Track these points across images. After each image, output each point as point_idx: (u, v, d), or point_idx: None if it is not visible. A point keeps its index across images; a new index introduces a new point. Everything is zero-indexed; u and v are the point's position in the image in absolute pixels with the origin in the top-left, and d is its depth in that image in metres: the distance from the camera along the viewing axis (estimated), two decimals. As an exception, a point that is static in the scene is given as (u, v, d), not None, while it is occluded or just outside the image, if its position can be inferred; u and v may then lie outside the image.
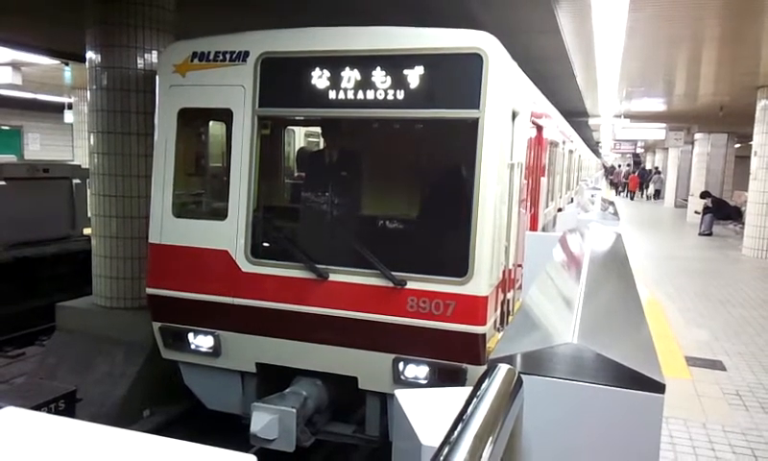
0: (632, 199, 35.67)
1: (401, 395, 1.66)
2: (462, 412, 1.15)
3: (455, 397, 1.49)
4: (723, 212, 18.58)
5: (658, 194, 34.86)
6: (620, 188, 40.57)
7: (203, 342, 5.59)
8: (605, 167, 53.12)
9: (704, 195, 18.96)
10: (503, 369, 1.33)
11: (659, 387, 1.43)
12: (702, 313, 8.30)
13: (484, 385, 1.26)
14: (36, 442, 1.11)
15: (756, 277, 11.35)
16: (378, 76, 4.97)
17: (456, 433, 1.07)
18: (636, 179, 37.59)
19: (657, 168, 37.93)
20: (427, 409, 1.56)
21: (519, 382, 1.34)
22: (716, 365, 6.20)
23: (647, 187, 36.44)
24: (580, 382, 1.48)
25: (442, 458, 1.00)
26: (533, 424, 1.47)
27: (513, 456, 1.31)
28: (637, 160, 45.63)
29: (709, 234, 17.34)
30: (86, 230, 10.47)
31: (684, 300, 9.03)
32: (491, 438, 1.08)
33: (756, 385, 5.71)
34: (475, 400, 1.19)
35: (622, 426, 1.46)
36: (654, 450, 1.44)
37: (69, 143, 22.65)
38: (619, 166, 48.32)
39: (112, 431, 1.13)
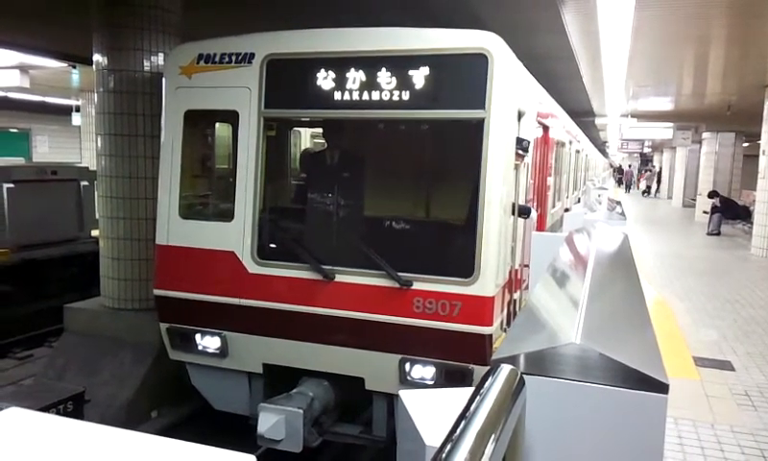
0: (643, 195, 38.18)
1: (406, 395, 1.67)
2: (464, 411, 1.15)
3: (459, 397, 1.49)
4: (731, 212, 18.47)
5: (648, 190, 37.30)
6: (629, 186, 43.23)
7: (210, 343, 5.61)
8: (612, 166, 53.90)
9: (712, 194, 18.86)
10: (506, 369, 1.33)
11: (662, 387, 1.42)
12: (710, 313, 8.25)
13: (486, 385, 1.26)
14: (39, 442, 1.12)
15: (765, 276, 11.28)
16: (384, 77, 4.97)
17: (458, 432, 1.07)
18: (643, 177, 40.65)
19: (642, 167, 40.00)
20: (431, 410, 1.56)
21: (522, 382, 1.34)
22: (725, 365, 6.16)
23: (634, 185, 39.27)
24: (583, 383, 1.48)
25: (444, 456, 1.00)
26: (536, 423, 1.47)
27: (515, 456, 1.31)
28: (645, 160, 46.81)
29: (718, 234, 17.25)
30: (94, 232, 10.51)
31: (693, 299, 8.98)
32: (492, 437, 1.08)
33: (765, 385, 5.67)
34: (478, 399, 1.19)
35: (626, 427, 1.45)
36: (658, 451, 1.44)
37: (77, 145, 22.75)
38: (629, 166, 49.60)
39: (111, 431, 1.14)
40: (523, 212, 5.86)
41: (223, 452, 1.05)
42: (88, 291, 8.92)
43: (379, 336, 5.01)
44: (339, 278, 5.13)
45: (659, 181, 38.03)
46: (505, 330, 5.42)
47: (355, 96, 5.06)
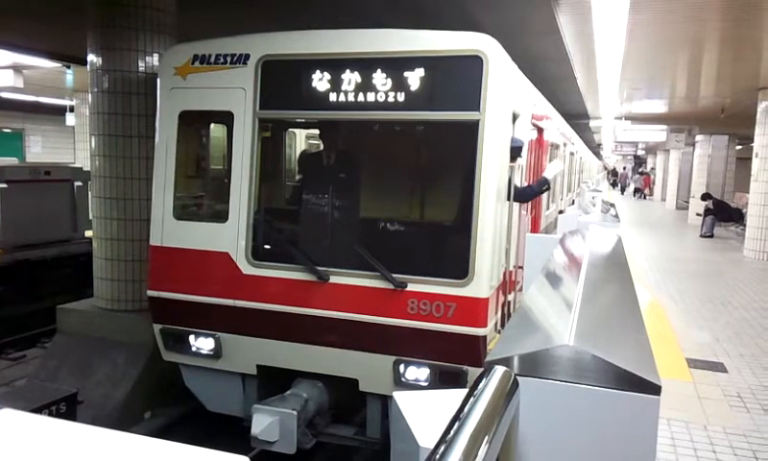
0: (643, 198, 38.90)
1: (399, 397, 1.66)
2: (458, 412, 1.15)
3: (453, 398, 1.50)
4: (724, 214, 18.54)
5: (638, 191, 38.55)
6: (624, 188, 44.34)
7: (203, 344, 5.60)
8: (606, 169, 54.41)
9: (705, 197, 18.94)
10: (499, 370, 1.33)
11: (655, 389, 1.43)
12: (703, 315, 8.28)
13: (480, 386, 1.26)
14: (31, 444, 1.11)
15: (758, 278, 11.33)
16: (379, 78, 4.98)
17: (452, 433, 1.07)
18: (648, 179, 41.14)
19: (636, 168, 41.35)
20: (425, 411, 1.56)
21: (515, 384, 1.35)
22: (717, 367, 6.19)
23: (629, 186, 41.01)
24: (576, 384, 1.48)
25: (437, 457, 1.01)
26: (529, 425, 1.47)
27: (508, 457, 1.31)
28: (639, 163, 47.50)
29: (711, 236, 17.32)
30: (88, 233, 10.49)
31: (686, 301, 9.02)
32: (486, 438, 1.08)
33: (758, 387, 5.70)
34: (471, 400, 1.19)
35: (618, 428, 1.46)
36: (650, 452, 1.44)
37: (71, 146, 22.68)
38: (624, 168, 50.21)
39: (104, 433, 1.14)
40: (544, 184, 5.99)
41: (216, 454, 1.05)
42: (82, 292, 8.89)
43: (374, 338, 5.01)
44: (333, 279, 5.12)
45: (652, 184, 38.60)
46: (499, 332, 5.42)
47: (350, 97, 5.06)
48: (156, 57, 6.86)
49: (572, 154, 16.25)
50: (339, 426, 5.61)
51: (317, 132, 8.22)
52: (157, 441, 1.12)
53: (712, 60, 11.24)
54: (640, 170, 43.88)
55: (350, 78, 5.05)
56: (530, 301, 2.46)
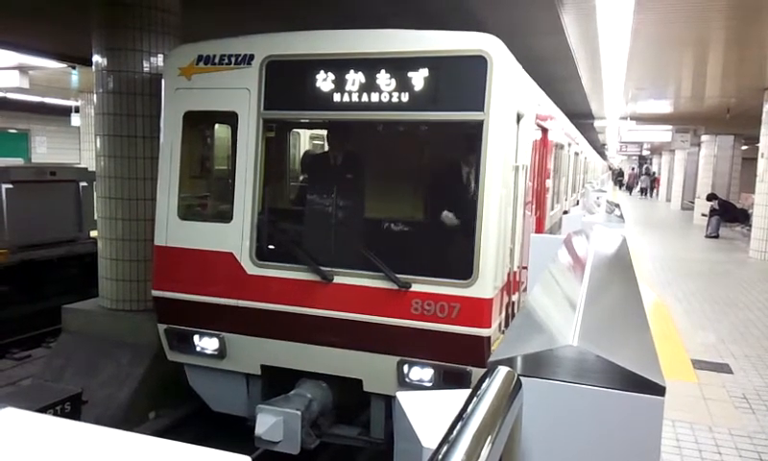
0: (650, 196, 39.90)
1: (403, 397, 1.66)
2: (461, 413, 1.15)
3: (457, 399, 1.49)
4: (730, 215, 18.47)
5: (644, 192, 39.82)
6: (632, 188, 45.20)
7: (208, 344, 5.61)
8: (611, 169, 54.49)
9: (710, 197, 18.86)
10: (502, 371, 1.33)
11: (659, 390, 1.42)
12: (708, 316, 8.25)
13: (483, 386, 1.26)
14: (35, 443, 1.12)
15: (763, 279, 11.28)
16: (383, 78, 4.98)
17: (455, 433, 1.07)
18: (657, 180, 41.52)
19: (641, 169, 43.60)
20: (429, 411, 1.56)
21: (519, 384, 1.34)
22: (723, 368, 6.16)
23: (637, 185, 42.49)
24: (580, 385, 1.48)
25: (440, 457, 1.01)
26: (532, 426, 1.47)
27: (512, 458, 1.31)
28: (642, 163, 47.85)
29: (716, 237, 17.25)
30: (93, 233, 10.51)
31: (691, 302, 8.99)
32: (489, 438, 1.08)
33: (763, 388, 5.67)
34: (474, 400, 1.19)
35: (622, 429, 1.45)
36: (654, 453, 1.44)
37: (76, 146, 22.77)
38: (632, 169, 50.46)
39: (108, 432, 1.14)
40: None
41: (218, 453, 1.05)
42: (87, 292, 8.92)
43: (378, 338, 5.01)
44: (338, 279, 5.13)
45: (657, 184, 38.83)
46: (503, 332, 5.42)
47: (354, 98, 5.07)
48: (160, 57, 6.88)
49: (577, 154, 16.22)
50: (343, 427, 5.62)
51: (321, 132, 8.23)
52: (162, 441, 1.12)
53: (717, 60, 11.20)
54: (645, 169, 44.26)
55: (355, 78, 5.05)
56: (534, 301, 2.45)
